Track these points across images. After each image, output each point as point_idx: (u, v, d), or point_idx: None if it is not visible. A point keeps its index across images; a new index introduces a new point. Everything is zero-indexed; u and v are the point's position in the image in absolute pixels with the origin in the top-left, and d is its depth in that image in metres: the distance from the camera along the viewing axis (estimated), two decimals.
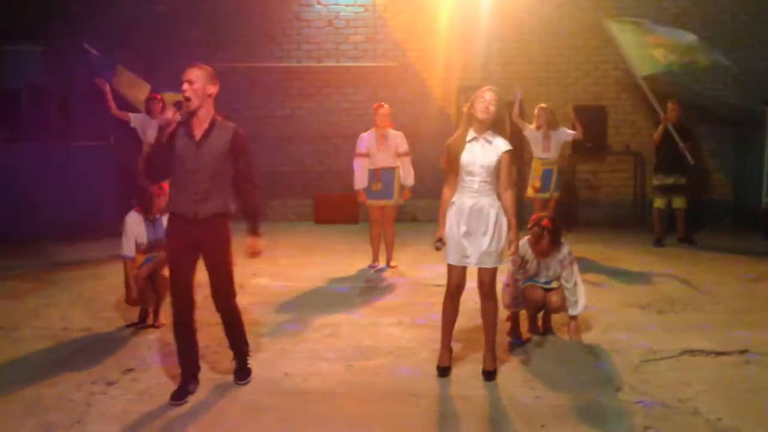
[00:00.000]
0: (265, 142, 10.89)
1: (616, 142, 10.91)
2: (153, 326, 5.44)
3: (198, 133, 4.00)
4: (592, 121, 10.03)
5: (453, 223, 4.34)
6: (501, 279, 4.78)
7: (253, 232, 4.18)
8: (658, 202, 8.87)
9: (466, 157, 4.29)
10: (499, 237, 4.32)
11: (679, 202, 8.81)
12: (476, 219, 4.28)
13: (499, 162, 4.28)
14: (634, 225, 10.58)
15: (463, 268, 4.38)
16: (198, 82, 3.95)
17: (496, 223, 4.28)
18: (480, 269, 4.35)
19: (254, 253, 4.17)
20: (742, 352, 4.89)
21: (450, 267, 4.40)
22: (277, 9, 10.88)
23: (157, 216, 5.34)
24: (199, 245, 4.06)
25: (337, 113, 11.00)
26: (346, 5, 10.95)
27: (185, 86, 3.94)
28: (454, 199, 4.37)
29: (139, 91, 8.83)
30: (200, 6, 10.79)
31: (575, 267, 5.06)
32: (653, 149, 8.97)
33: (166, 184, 5.30)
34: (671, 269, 7.49)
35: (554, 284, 5.13)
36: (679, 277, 7.14)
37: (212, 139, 4.00)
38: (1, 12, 10.29)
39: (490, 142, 4.29)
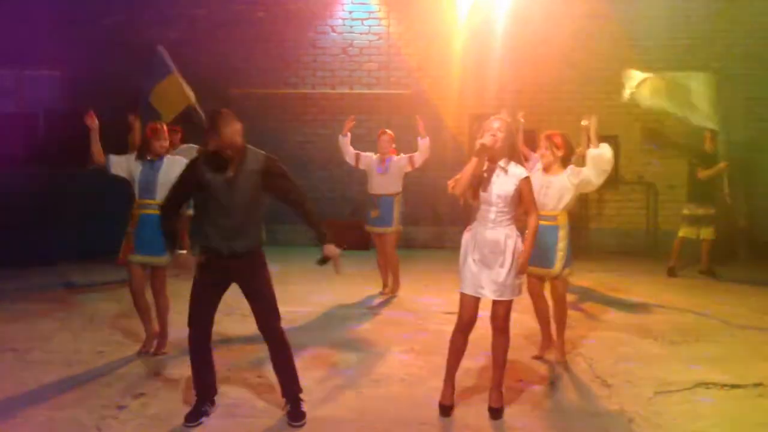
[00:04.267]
0: None
1: (629, 172, 10.90)
2: (155, 353, 5.41)
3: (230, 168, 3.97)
4: None
5: (468, 251, 4.25)
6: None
7: (322, 239, 4.18)
8: (686, 232, 8.74)
9: (483, 187, 4.22)
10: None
11: (707, 233, 8.70)
12: (492, 251, 4.16)
13: (517, 190, 4.18)
14: (647, 255, 10.52)
15: (477, 300, 4.23)
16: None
17: (514, 254, 4.16)
18: (494, 301, 4.23)
19: (331, 257, 4.21)
20: (757, 385, 4.83)
21: (463, 297, 4.24)
22: (293, 36, 11.02)
23: (153, 158, 5.29)
24: (235, 277, 4.08)
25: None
26: (361, 33, 11.08)
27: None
28: (471, 226, 4.29)
29: (178, 105, 8.16)
30: (216, 33, 10.94)
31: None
32: (691, 180, 8.79)
33: (159, 127, 5.31)
34: (685, 300, 7.43)
35: (554, 268, 5.12)
36: (693, 308, 7.08)
37: (243, 173, 3.97)
38: (22, 37, 10.49)
39: (506, 171, 4.19)
